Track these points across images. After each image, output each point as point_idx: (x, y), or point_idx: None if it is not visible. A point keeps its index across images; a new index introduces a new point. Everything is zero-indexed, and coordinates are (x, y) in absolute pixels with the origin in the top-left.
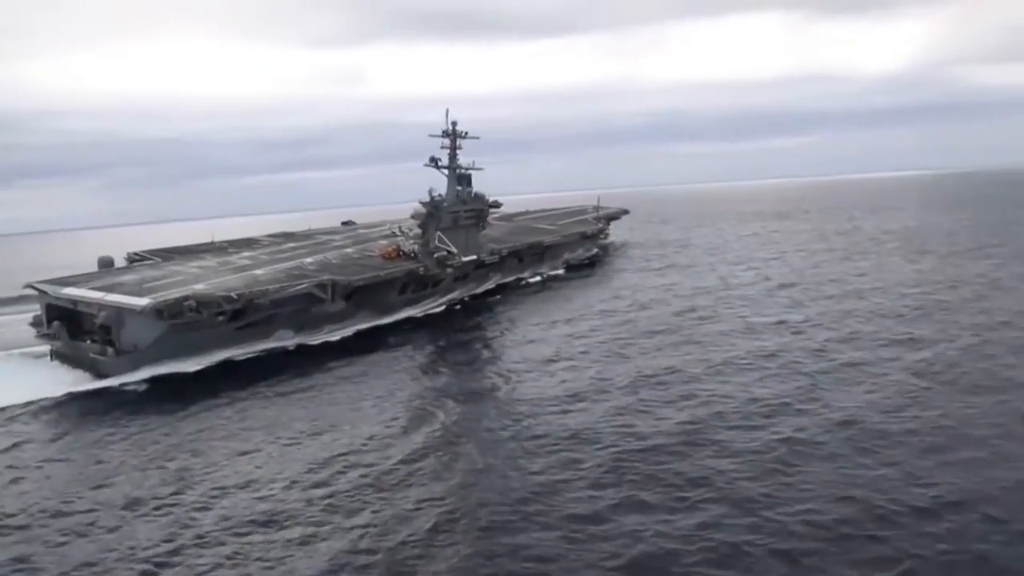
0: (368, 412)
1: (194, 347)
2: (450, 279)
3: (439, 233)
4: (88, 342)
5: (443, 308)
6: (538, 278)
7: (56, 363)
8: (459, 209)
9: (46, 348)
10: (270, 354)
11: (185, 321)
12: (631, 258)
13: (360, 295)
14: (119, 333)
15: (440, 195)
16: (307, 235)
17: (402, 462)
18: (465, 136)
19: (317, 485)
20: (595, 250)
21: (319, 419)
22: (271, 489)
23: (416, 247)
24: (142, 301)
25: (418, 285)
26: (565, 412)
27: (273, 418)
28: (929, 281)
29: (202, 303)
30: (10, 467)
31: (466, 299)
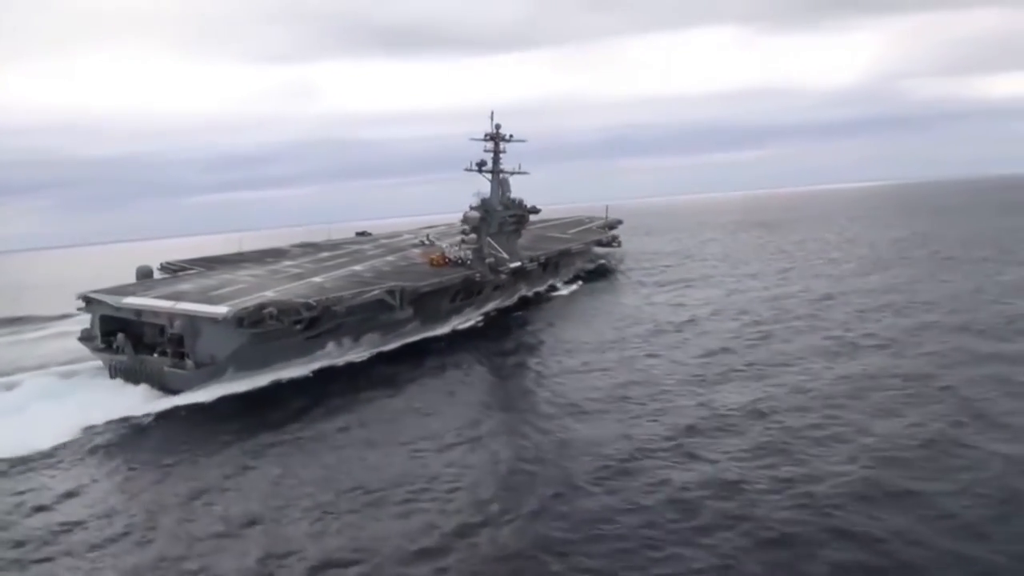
0: (436, 457)
1: (269, 358)
2: (489, 288)
3: (488, 239)
4: (155, 355)
5: (470, 325)
6: (564, 291)
7: (119, 380)
8: (505, 214)
9: (88, 364)
10: (293, 381)
11: (264, 330)
12: (643, 270)
13: (419, 303)
14: (194, 344)
15: (484, 197)
16: (334, 245)
17: (518, 517)
18: (510, 139)
19: (433, 557)
20: (601, 260)
21: (385, 468)
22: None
23: (466, 253)
24: (221, 309)
25: (466, 293)
26: (679, 447)
27: (332, 465)
28: (989, 289)
29: (282, 310)
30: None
31: (492, 314)
